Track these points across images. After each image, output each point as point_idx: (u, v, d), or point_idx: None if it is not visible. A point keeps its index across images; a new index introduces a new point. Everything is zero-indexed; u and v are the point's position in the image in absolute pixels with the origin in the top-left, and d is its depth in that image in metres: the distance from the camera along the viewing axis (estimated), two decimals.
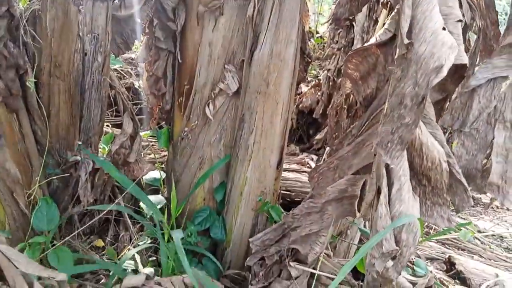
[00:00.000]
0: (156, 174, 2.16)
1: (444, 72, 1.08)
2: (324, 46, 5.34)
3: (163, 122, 2.20)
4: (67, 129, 1.62)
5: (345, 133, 1.88)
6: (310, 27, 6.14)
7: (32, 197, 1.59)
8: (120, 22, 1.55)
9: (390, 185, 1.46)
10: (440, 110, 1.75)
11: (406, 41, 1.16)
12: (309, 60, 1.93)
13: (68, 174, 1.76)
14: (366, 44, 1.80)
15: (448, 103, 1.78)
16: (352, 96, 2.05)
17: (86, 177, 1.75)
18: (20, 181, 1.55)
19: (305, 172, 3.16)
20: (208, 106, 1.86)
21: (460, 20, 1.22)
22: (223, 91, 1.84)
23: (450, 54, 1.09)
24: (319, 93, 4.25)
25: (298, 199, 2.63)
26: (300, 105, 4.28)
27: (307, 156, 3.86)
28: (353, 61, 1.83)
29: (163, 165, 2.62)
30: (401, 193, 1.46)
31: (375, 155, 1.58)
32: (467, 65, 1.23)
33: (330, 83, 3.86)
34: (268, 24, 1.59)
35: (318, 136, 4.03)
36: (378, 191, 1.50)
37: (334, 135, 1.98)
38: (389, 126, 1.32)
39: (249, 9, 1.63)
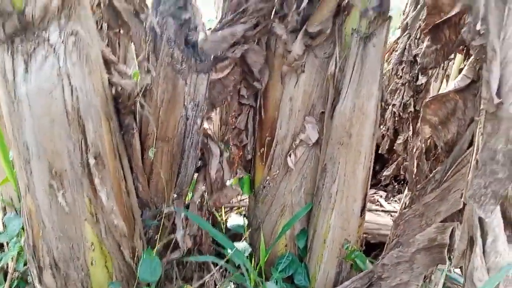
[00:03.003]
0: (239, 220, 2.26)
1: None
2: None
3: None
4: (166, 185, 1.77)
5: (427, 179, 1.89)
6: None
7: (137, 249, 1.73)
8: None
9: (484, 236, 1.45)
10: None
11: (496, 100, 1.18)
12: (386, 107, 1.98)
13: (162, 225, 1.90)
14: (444, 91, 1.83)
15: None
16: (430, 139, 2.06)
17: (182, 225, 1.88)
18: (126, 234, 1.70)
19: (378, 211, 3.15)
20: (290, 156, 1.95)
21: None
22: (304, 142, 1.92)
23: None
24: (383, 128, 4.23)
25: (374, 242, 2.62)
26: None
27: (375, 193, 3.84)
28: (431, 107, 1.86)
29: (239, 209, 2.73)
30: (496, 245, 1.45)
31: (464, 203, 1.58)
32: None
33: (396, 118, 3.84)
34: (350, 80, 1.67)
35: (386, 173, 4.00)
36: (471, 241, 1.50)
37: (415, 180, 1.99)
38: (482, 180, 1.34)
39: (331, 67, 1.72)
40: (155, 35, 1.40)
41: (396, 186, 4.01)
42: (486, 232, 1.44)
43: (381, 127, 4.31)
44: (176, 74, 1.43)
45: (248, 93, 1.97)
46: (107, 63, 1.77)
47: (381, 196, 3.70)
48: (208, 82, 1.54)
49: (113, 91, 1.69)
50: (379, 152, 4.16)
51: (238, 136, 2.14)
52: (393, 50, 5.31)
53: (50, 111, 1.45)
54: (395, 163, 3.99)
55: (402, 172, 3.94)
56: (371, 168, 1.86)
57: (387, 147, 4.05)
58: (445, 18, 1.60)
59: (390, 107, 4.06)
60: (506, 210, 1.50)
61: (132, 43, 2.85)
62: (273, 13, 1.66)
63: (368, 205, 3.47)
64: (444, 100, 1.83)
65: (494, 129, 1.23)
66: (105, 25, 2.80)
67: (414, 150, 1.98)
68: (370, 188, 4.06)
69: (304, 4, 1.58)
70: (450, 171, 1.78)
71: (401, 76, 4.00)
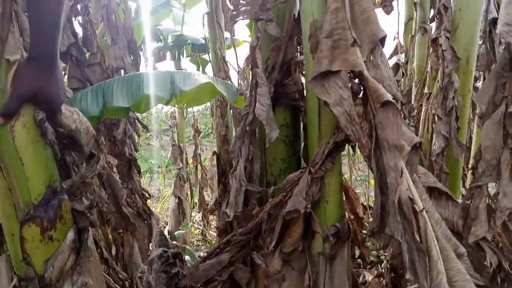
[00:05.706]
0: None
1: None
2: None
3: None
4: None
5: None
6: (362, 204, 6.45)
7: None
8: None
9: None
10: None
11: None
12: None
13: None
14: None
15: None
16: None
17: None
18: None
19: None
20: None
21: None
22: None
23: None
24: (383, 282, 4.32)
25: None
26: None
27: None
28: None
29: None
30: None
31: None
32: None
33: (392, 275, 3.96)
34: None
35: None
36: None
37: None
38: None
39: (306, 280, 1.97)
40: (149, 285, 1.69)
41: None
42: None
43: (381, 281, 4.41)
44: None
45: None
46: None
47: None
48: None
49: None
50: None
51: None
52: None
53: None
54: None
55: None
56: None
57: None
58: None
59: (386, 263, 4.22)
60: None
61: (136, 240, 3.17)
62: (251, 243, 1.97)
63: None
64: None
65: None
66: None
67: None
68: None
69: (276, 232, 1.90)
70: None
71: None
